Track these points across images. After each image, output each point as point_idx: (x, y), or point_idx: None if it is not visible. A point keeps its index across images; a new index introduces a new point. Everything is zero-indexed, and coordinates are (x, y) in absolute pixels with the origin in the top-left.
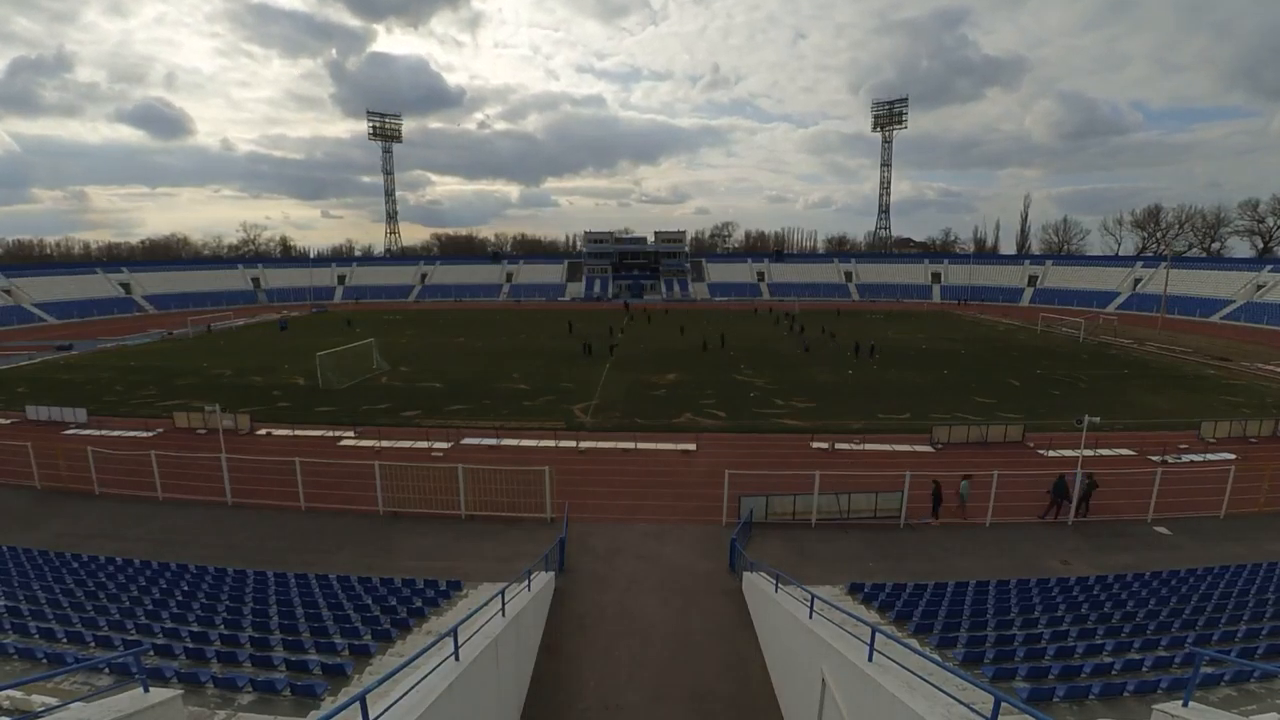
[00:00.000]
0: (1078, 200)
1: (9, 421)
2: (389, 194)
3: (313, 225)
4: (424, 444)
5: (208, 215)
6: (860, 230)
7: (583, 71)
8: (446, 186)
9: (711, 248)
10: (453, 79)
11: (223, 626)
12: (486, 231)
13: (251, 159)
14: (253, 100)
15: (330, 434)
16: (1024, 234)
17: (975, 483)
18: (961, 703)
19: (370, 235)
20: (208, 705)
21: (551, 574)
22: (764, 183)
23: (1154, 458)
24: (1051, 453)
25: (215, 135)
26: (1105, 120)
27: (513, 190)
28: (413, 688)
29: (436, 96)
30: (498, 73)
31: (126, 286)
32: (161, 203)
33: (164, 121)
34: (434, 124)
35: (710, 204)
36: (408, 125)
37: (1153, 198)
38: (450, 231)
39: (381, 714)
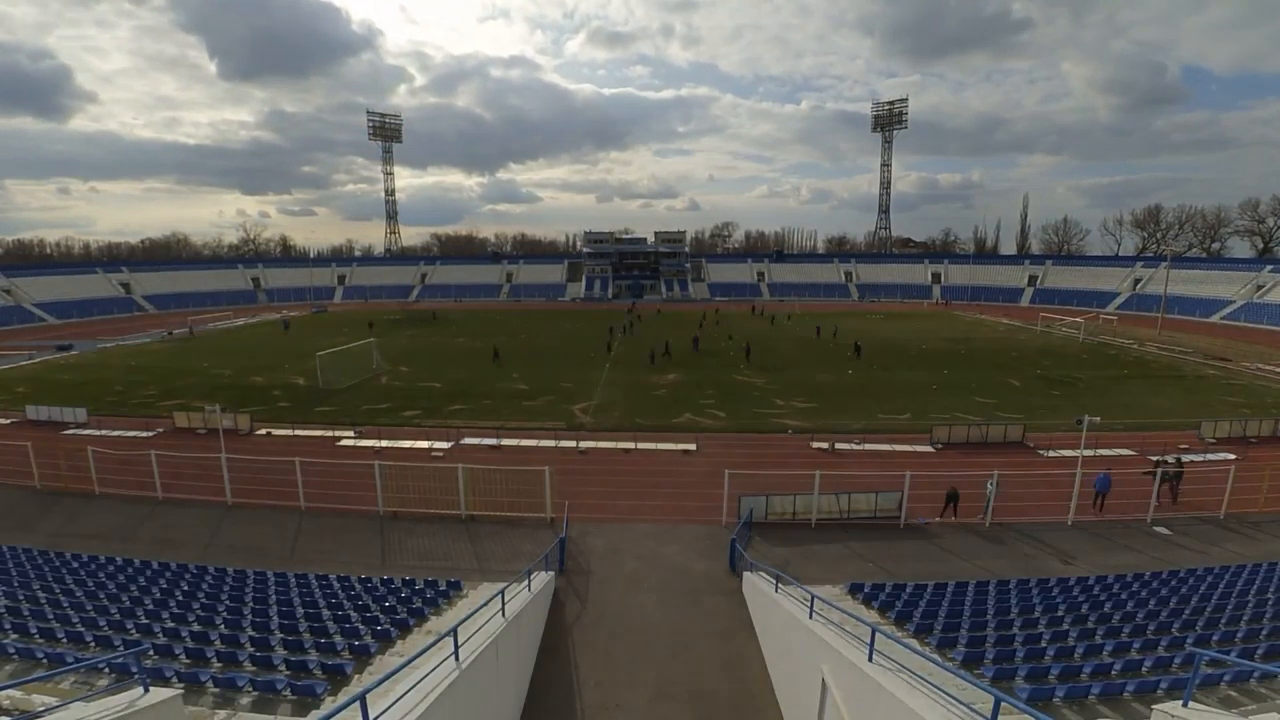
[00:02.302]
0: (1108, 194)
1: (9, 421)
2: (389, 193)
3: (278, 224)
4: (424, 444)
5: (163, 212)
6: (860, 228)
7: (492, 19)
8: (401, 179)
9: (711, 248)
10: (345, 30)
11: (223, 626)
12: (486, 230)
13: (170, 149)
14: (120, 73)
15: (330, 434)
16: (1024, 234)
17: (975, 483)
18: (961, 703)
19: (345, 233)
20: (208, 705)
21: (551, 574)
22: (752, 172)
23: (1154, 458)
24: (1051, 453)
25: (109, 119)
26: (1159, 88)
27: (471, 182)
28: (413, 688)
29: (334, 44)
30: (391, 22)
31: (126, 286)
32: (96, 199)
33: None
34: (359, 99)
35: (702, 199)
36: (323, 101)
37: (1194, 192)
38: (450, 231)
39: (381, 714)
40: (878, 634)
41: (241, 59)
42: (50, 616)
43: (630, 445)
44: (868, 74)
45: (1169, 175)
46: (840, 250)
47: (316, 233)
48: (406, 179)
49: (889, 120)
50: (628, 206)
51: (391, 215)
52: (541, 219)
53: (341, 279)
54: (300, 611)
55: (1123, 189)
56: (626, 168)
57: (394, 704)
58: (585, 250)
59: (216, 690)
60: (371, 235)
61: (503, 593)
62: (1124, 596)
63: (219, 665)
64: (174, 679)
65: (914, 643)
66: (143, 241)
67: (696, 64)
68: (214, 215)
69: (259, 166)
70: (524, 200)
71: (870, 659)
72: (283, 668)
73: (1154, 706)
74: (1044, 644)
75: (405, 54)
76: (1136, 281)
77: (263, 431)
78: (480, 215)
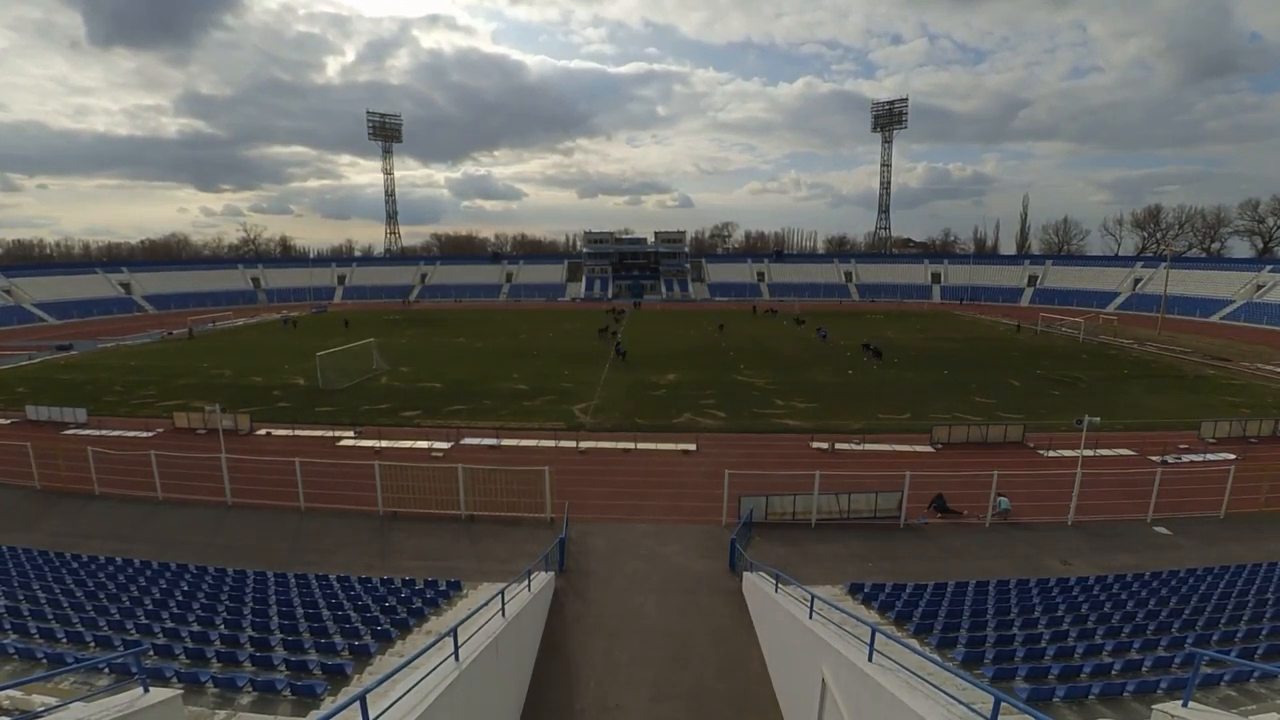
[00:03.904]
0: (1128, 186)
1: (9, 421)
2: (389, 194)
3: (248, 222)
4: (424, 444)
5: (128, 210)
6: (862, 226)
7: None
8: (365, 175)
9: (711, 248)
10: None
11: (223, 626)
12: (486, 231)
13: (105, 141)
14: (4, 54)
15: (330, 434)
16: (1024, 234)
17: (974, 483)
18: (961, 703)
19: (322, 231)
20: (208, 705)
21: (551, 574)
22: (745, 164)
23: (1154, 458)
24: (1051, 453)
25: (16, 105)
26: (1218, 52)
27: (439, 176)
28: (413, 688)
29: None
30: None
31: (126, 286)
32: (48, 196)
33: None
34: (284, 77)
35: (696, 197)
36: (244, 80)
37: (1226, 187)
38: (450, 231)
39: (381, 714)
40: (878, 634)
41: (104, 14)
42: (50, 616)
43: (630, 445)
44: (866, 37)
45: (1198, 169)
46: (840, 250)
47: (298, 232)
48: (371, 174)
49: (889, 120)
50: (608, 202)
51: (391, 215)
52: (522, 217)
53: (341, 279)
54: (300, 611)
55: (1148, 182)
56: (606, 160)
57: (394, 704)
58: (585, 250)
59: (216, 690)
60: (350, 234)
61: (503, 593)
62: (1124, 596)
63: (219, 665)
64: (174, 679)
65: (914, 643)
66: (142, 241)
67: (653, 25)
68: (175, 213)
69: (201, 158)
70: (503, 196)
71: (870, 659)
72: (283, 668)
73: (1154, 706)
74: (1044, 644)
75: (316, 16)
76: (1136, 281)
77: (263, 431)
78: (460, 213)
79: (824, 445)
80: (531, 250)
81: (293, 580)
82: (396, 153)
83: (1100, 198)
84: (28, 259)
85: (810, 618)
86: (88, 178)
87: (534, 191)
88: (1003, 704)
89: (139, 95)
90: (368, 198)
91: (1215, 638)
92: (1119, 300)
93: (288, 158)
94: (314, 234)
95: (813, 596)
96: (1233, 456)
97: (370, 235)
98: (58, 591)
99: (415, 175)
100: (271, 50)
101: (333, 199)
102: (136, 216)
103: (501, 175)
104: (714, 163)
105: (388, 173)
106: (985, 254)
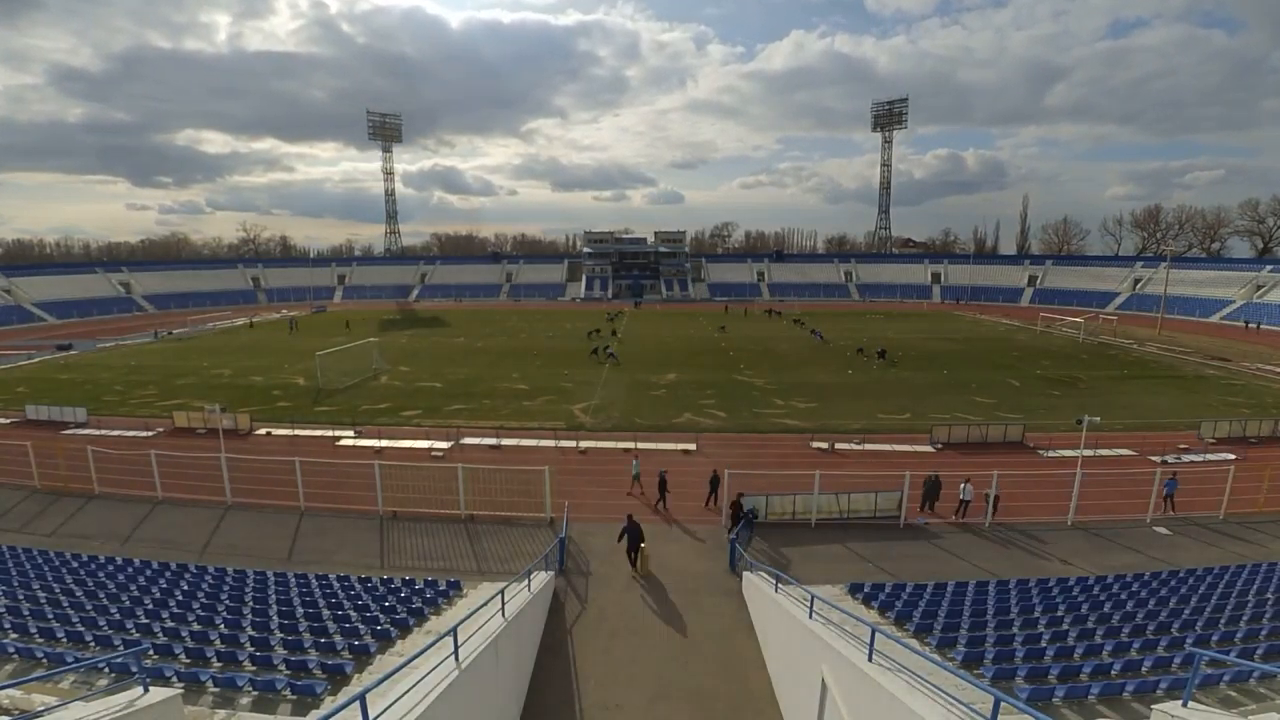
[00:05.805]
0: (1164, 178)
1: (9, 421)
2: (389, 194)
3: (224, 221)
4: (424, 444)
5: (63, 208)
6: (861, 221)
7: None
8: (318, 169)
9: (712, 248)
10: None
11: (223, 626)
12: (486, 231)
13: (7, 128)
14: None
15: (330, 434)
16: (1024, 234)
17: (976, 482)
18: (961, 703)
19: (301, 230)
20: (208, 705)
21: (551, 574)
22: (734, 153)
23: (1154, 458)
24: (1051, 453)
25: None
26: None
27: (399, 168)
28: (413, 687)
29: None
30: None
31: (126, 286)
32: None
33: None
34: (161, 43)
35: (689, 193)
36: (119, 48)
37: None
38: (451, 230)
39: (381, 714)
40: (877, 634)
41: None
42: (50, 616)
43: (630, 445)
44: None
45: (1238, 161)
46: (840, 250)
47: (279, 229)
48: (324, 168)
49: (889, 119)
50: (586, 197)
51: (391, 215)
52: (500, 215)
53: (341, 279)
54: (300, 611)
55: (1181, 173)
56: (575, 148)
57: (394, 704)
58: (585, 250)
59: (216, 690)
60: (328, 231)
61: (502, 593)
62: (1124, 596)
63: (219, 665)
64: (174, 679)
65: (914, 643)
66: (142, 241)
67: None
68: (122, 209)
69: (118, 146)
70: (473, 191)
71: (870, 659)
72: (282, 668)
73: (1154, 706)
74: (1044, 644)
75: None
76: (1136, 281)
77: (263, 431)
78: (429, 210)
79: (824, 445)
80: (531, 250)
81: (293, 580)
82: (334, 140)
83: (1124, 189)
84: (28, 259)
85: (810, 618)
86: (9, 172)
87: (507, 185)
88: (1003, 704)
89: (4, 74)
90: (329, 193)
91: (1215, 638)
92: (1119, 300)
93: (218, 146)
94: (293, 231)
95: (813, 596)
96: (1232, 457)
97: (346, 233)
98: (58, 591)
99: (366, 168)
100: (131, 7)
101: (289, 194)
102: (88, 214)
103: (467, 168)
104: (696, 149)
105: (388, 172)
106: (985, 254)
